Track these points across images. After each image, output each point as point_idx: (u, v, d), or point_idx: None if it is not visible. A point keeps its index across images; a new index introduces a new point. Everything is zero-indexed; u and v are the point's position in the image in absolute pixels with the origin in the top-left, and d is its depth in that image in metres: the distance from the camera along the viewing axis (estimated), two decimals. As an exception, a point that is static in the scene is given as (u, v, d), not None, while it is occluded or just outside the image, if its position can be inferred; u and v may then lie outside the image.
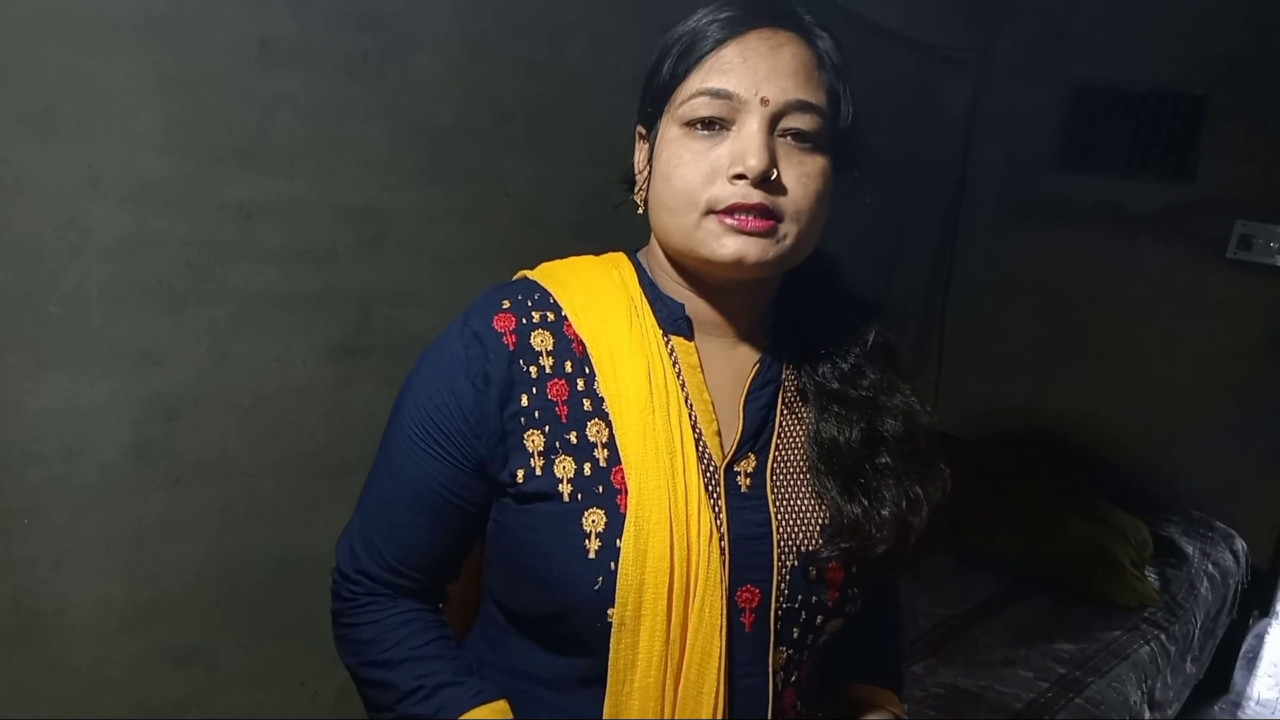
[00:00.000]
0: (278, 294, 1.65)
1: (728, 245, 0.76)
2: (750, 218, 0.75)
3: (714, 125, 0.77)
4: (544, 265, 0.90)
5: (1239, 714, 3.06)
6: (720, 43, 0.77)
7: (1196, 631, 2.59)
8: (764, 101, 0.75)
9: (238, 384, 1.63)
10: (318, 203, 1.65)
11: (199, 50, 1.45)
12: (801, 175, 0.77)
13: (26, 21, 1.29)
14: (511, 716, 0.81)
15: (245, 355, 1.63)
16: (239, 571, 1.72)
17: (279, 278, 1.64)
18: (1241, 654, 3.23)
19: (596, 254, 0.94)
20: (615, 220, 2.11)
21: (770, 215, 0.76)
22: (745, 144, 0.75)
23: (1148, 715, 2.21)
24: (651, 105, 0.83)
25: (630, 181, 0.89)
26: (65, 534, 1.48)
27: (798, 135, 0.77)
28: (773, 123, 0.76)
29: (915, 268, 3.61)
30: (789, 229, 0.77)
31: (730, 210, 0.76)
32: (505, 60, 1.85)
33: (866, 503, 0.81)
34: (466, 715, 0.79)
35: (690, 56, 0.78)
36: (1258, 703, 3.15)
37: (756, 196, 0.75)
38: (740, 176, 0.75)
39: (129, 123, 1.41)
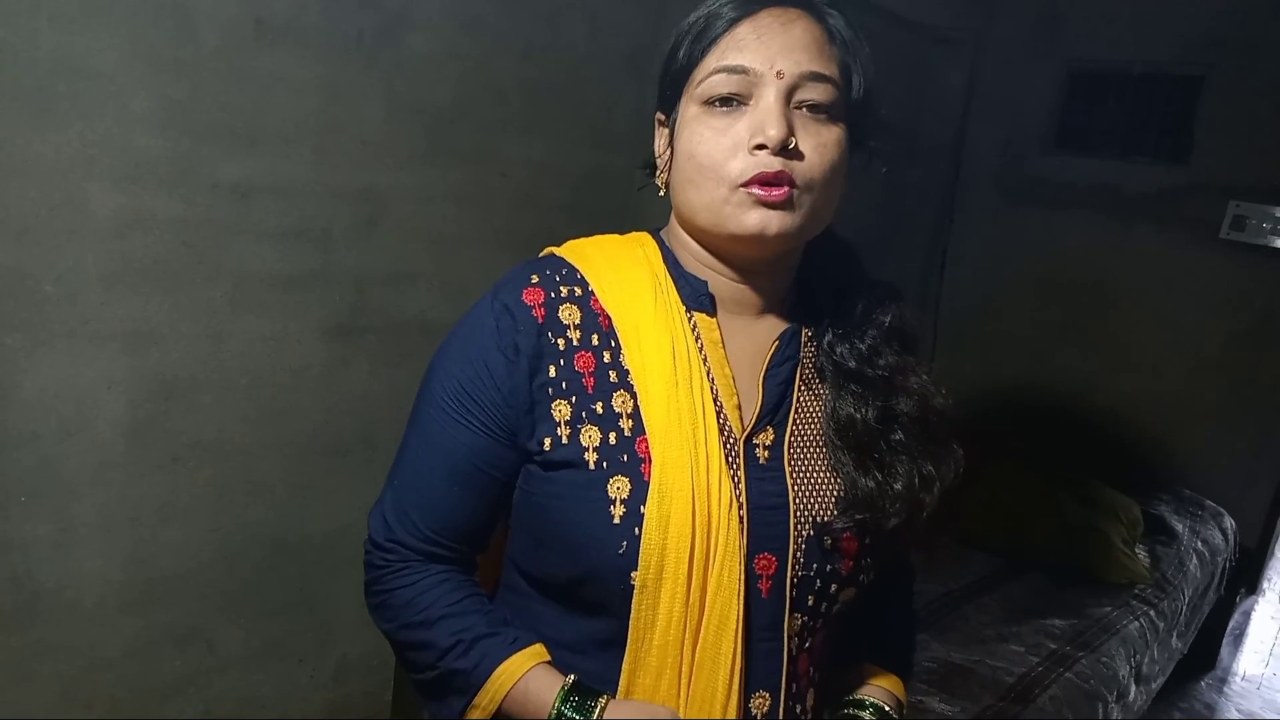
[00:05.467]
0: (274, 274, 1.65)
1: (752, 218, 0.79)
2: (771, 188, 0.78)
3: (732, 101, 0.80)
4: (570, 243, 0.92)
5: (1225, 690, 3.11)
6: (734, 22, 0.80)
7: (1185, 608, 2.62)
8: (779, 75, 0.78)
9: (234, 364, 1.63)
10: (313, 183, 1.65)
11: (193, 30, 1.45)
12: (818, 144, 0.80)
13: (21, 1, 1.28)
14: (548, 658, 0.83)
15: (242, 335, 1.63)
16: (237, 551, 1.73)
17: (275, 258, 1.64)
18: (1228, 631, 3.27)
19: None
20: (610, 202, 2.12)
21: (789, 183, 0.79)
22: (764, 115, 0.78)
23: (1135, 690, 2.24)
24: (670, 89, 0.85)
25: (651, 167, 0.91)
26: (63, 514, 1.49)
27: (813, 106, 0.80)
28: (789, 94, 0.79)
29: (910, 249, 3.62)
30: (806, 197, 0.80)
31: (753, 181, 0.78)
32: (501, 41, 1.85)
33: (880, 476, 0.84)
34: (505, 663, 0.81)
35: (706, 38, 0.81)
36: (1243, 679, 3.20)
37: (777, 164, 0.78)
38: (761, 147, 0.78)
39: (124, 102, 1.40)
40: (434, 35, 1.74)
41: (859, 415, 0.86)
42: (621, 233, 0.94)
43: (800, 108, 0.80)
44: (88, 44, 1.35)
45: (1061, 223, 3.39)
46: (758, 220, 0.79)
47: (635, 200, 2.14)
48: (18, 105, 1.31)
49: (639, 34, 2.09)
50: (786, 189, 0.78)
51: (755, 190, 0.78)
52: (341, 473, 1.84)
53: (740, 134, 0.79)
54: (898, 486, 0.84)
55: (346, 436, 1.83)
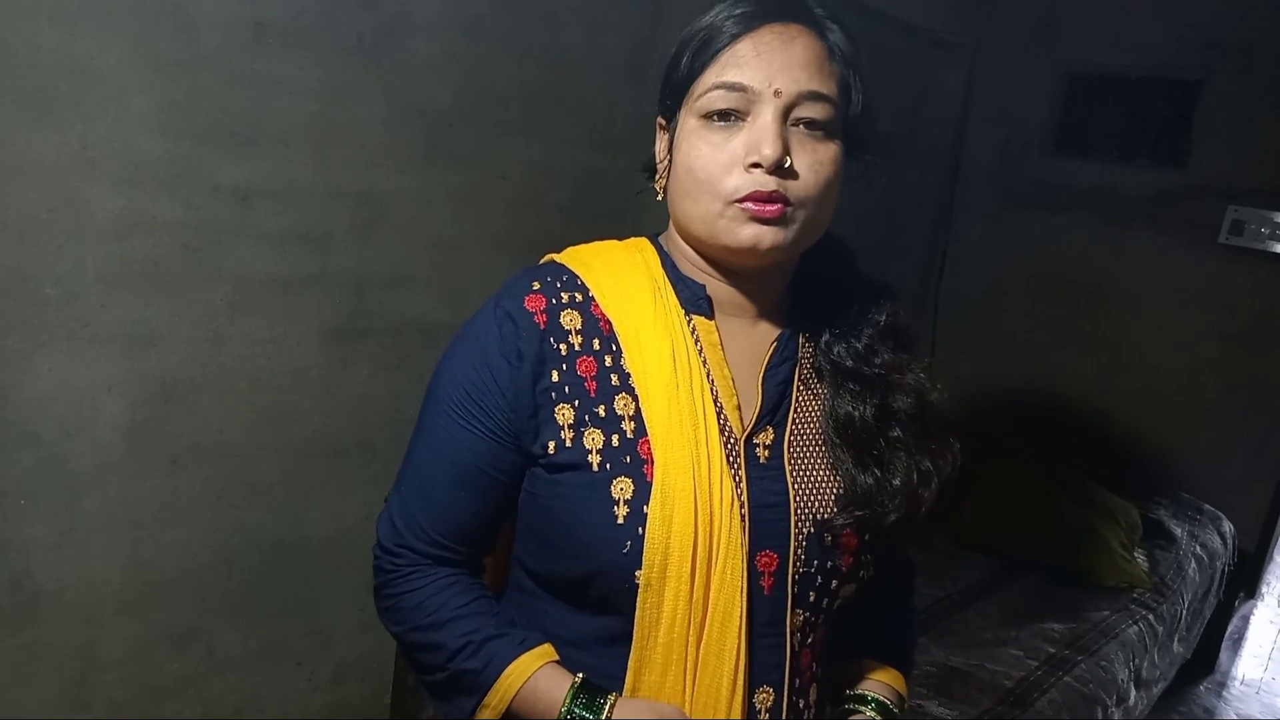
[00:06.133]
0: (274, 276, 1.65)
1: (745, 232, 0.81)
2: (765, 205, 0.80)
3: (730, 117, 0.81)
4: (570, 249, 0.93)
5: (1224, 694, 3.11)
6: (735, 37, 0.81)
7: (1184, 612, 2.62)
8: (777, 93, 0.79)
9: (234, 367, 1.63)
10: (313, 185, 1.65)
11: (193, 32, 1.45)
12: (814, 162, 0.81)
13: (21, 1, 1.28)
14: (556, 658, 0.84)
15: (241, 338, 1.63)
16: (236, 554, 1.73)
17: (275, 260, 1.64)
18: (1227, 635, 3.27)
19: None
20: (609, 204, 2.12)
21: (783, 201, 0.80)
22: (760, 134, 0.79)
23: (1135, 694, 2.24)
24: (671, 98, 0.86)
25: (651, 170, 0.92)
26: (63, 516, 1.49)
27: (810, 124, 0.81)
28: (785, 113, 0.80)
29: (909, 251, 3.62)
30: (800, 213, 0.81)
31: (747, 198, 0.80)
32: (501, 44, 1.85)
33: (879, 473, 0.86)
34: (514, 663, 0.82)
35: (706, 51, 0.82)
36: (1242, 683, 3.20)
37: (771, 184, 0.79)
38: (756, 165, 0.79)
39: (124, 104, 1.40)
40: (433, 38, 1.74)
41: (857, 413, 0.87)
42: (621, 235, 0.96)
43: (797, 124, 0.81)
44: (88, 46, 1.35)
45: (1060, 225, 3.39)
46: (751, 235, 0.80)
47: (634, 202, 2.14)
48: (18, 106, 1.31)
49: (638, 37, 2.09)
50: (780, 206, 0.80)
51: (749, 205, 0.79)
52: (341, 475, 1.84)
53: (736, 150, 0.80)
54: (896, 483, 0.86)
55: (346, 439, 1.83)
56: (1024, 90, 3.42)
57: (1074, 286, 3.36)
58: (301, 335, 1.71)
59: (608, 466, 0.81)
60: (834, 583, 0.86)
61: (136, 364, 1.51)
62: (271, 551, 1.78)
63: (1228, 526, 3.05)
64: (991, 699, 1.90)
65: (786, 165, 0.79)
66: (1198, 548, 2.85)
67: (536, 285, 0.87)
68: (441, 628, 0.85)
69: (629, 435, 0.82)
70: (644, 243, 0.93)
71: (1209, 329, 3.12)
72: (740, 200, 0.80)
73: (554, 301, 0.86)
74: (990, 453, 2.77)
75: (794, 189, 0.80)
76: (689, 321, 0.87)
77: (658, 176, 0.90)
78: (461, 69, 1.80)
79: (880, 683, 0.96)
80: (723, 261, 0.87)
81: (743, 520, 0.82)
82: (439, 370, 0.88)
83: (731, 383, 0.86)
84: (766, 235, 0.80)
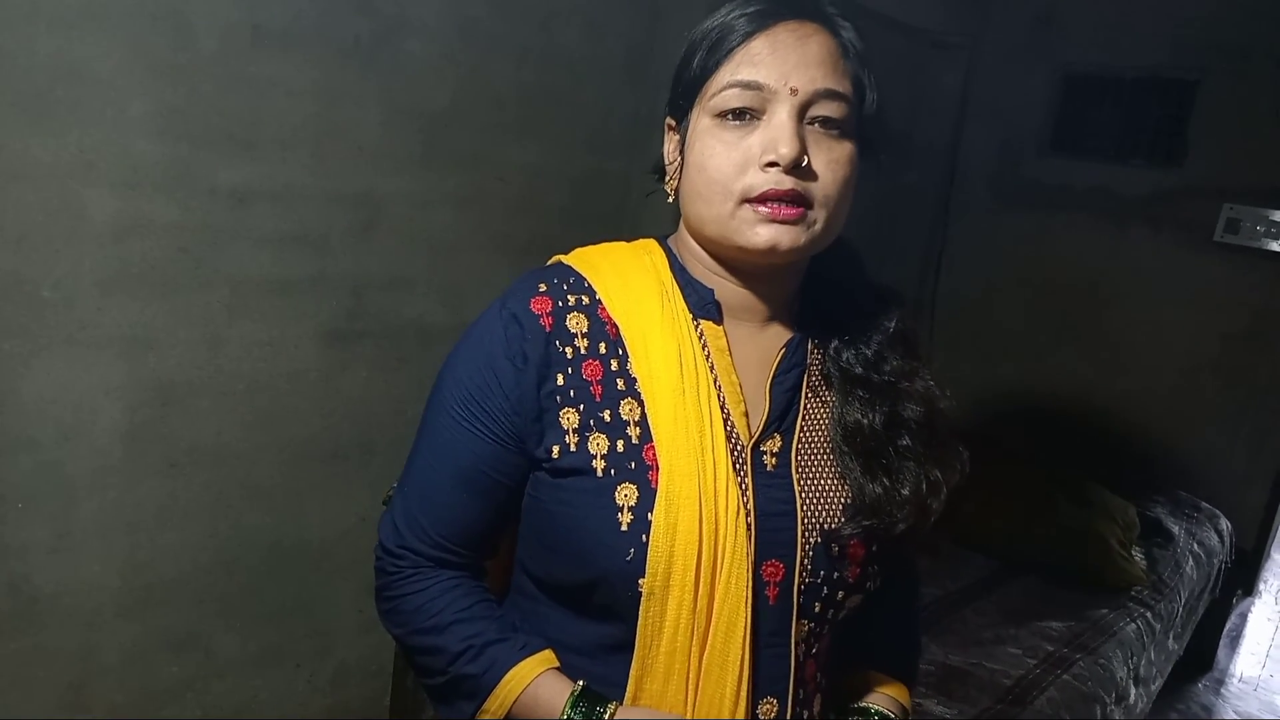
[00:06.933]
0: (271, 279, 1.65)
1: (761, 233, 0.79)
2: (782, 205, 0.78)
3: (745, 115, 0.79)
4: (577, 251, 0.92)
5: (1222, 691, 3.11)
6: (749, 35, 0.80)
7: (1182, 610, 2.63)
8: (793, 91, 0.78)
9: (232, 369, 1.63)
10: (311, 188, 1.65)
11: (191, 35, 1.45)
12: (830, 161, 0.80)
13: (19, 6, 1.28)
14: (557, 664, 0.84)
15: (239, 340, 1.63)
16: (234, 557, 1.73)
17: (272, 263, 1.64)
18: (1225, 632, 3.28)
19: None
20: (607, 206, 2.12)
21: (801, 202, 0.78)
22: (777, 132, 0.78)
23: (1133, 691, 2.25)
24: (683, 98, 0.85)
25: (660, 171, 0.91)
26: (61, 519, 1.49)
27: (826, 122, 0.80)
28: (802, 111, 0.79)
29: (906, 251, 3.63)
30: (819, 214, 0.80)
31: (763, 198, 0.78)
32: (498, 46, 1.85)
33: (888, 483, 0.84)
34: (515, 668, 0.82)
35: (720, 50, 0.81)
36: (1240, 680, 3.20)
37: (789, 183, 0.78)
38: (773, 164, 0.78)
39: (122, 108, 1.40)
40: (431, 40, 1.74)
41: (866, 421, 0.86)
42: (620, 237, 0.95)
43: (813, 123, 0.79)
44: (86, 49, 1.35)
45: (1057, 225, 3.40)
46: (768, 236, 0.79)
47: (633, 204, 2.14)
48: (16, 111, 1.31)
49: (635, 38, 2.09)
50: (799, 209, 0.78)
51: (763, 209, 0.78)
52: (339, 477, 1.84)
53: (752, 149, 0.78)
54: (905, 492, 0.84)
55: (344, 441, 1.83)
56: (1021, 91, 3.43)
57: (1071, 286, 3.37)
58: (299, 337, 1.71)
59: (612, 472, 0.80)
60: (840, 594, 0.84)
61: (134, 367, 1.51)
62: (270, 554, 1.78)
63: (1225, 524, 3.06)
64: (991, 698, 1.90)
65: (804, 164, 0.78)
66: (1195, 546, 2.86)
67: (543, 287, 0.85)
68: (443, 631, 0.84)
69: (634, 441, 0.81)
70: (652, 244, 0.92)
71: (1206, 327, 3.13)
72: (755, 199, 0.78)
73: (560, 304, 0.85)
74: (989, 453, 2.76)
75: (812, 189, 0.79)
76: (696, 326, 0.86)
77: (668, 178, 0.89)
78: (459, 71, 1.80)
79: (885, 695, 0.95)
80: (736, 262, 0.85)
81: (748, 529, 0.80)
82: (443, 371, 0.88)
83: (739, 389, 0.85)
84: (785, 236, 0.79)
